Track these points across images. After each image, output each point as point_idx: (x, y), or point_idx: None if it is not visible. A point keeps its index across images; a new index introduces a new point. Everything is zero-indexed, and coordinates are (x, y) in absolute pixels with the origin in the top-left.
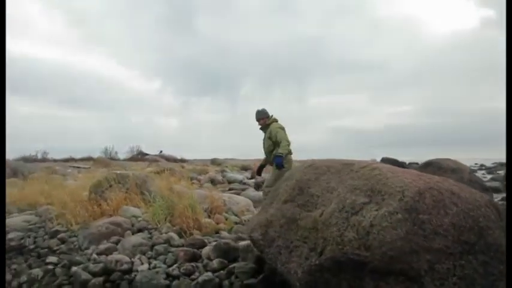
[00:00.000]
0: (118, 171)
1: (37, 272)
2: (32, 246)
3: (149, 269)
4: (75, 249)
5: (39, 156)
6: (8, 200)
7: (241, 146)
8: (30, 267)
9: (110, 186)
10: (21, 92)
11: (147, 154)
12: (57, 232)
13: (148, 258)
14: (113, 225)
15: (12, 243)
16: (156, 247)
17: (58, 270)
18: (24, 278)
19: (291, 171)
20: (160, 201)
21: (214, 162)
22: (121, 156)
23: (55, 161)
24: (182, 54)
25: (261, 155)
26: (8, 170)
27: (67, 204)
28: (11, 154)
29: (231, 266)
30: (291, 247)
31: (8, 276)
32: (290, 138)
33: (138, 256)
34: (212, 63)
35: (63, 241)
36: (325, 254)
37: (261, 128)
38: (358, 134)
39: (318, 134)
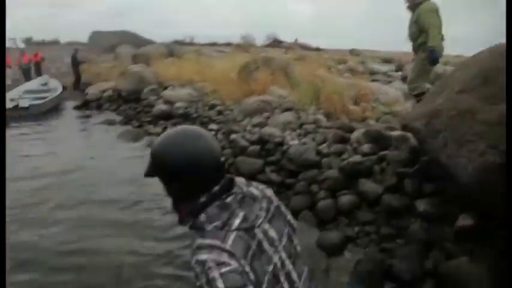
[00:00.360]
0: (262, 55)
1: None
2: (195, 115)
3: (300, 144)
4: (231, 121)
5: (187, 40)
6: (169, 76)
7: (383, 35)
8: None
9: (257, 67)
10: None
11: (282, 42)
12: (214, 105)
13: (298, 136)
14: (263, 102)
15: (180, 111)
16: (305, 126)
17: (219, 136)
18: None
19: (469, 58)
20: (306, 85)
21: (352, 52)
22: (258, 43)
23: (201, 45)
24: None
25: (405, 46)
26: (165, 51)
27: (220, 82)
28: (164, 38)
29: (383, 153)
30: (462, 141)
31: None
32: (450, 27)
33: (288, 132)
34: None
35: (220, 113)
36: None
37: (408, 7)
38: None
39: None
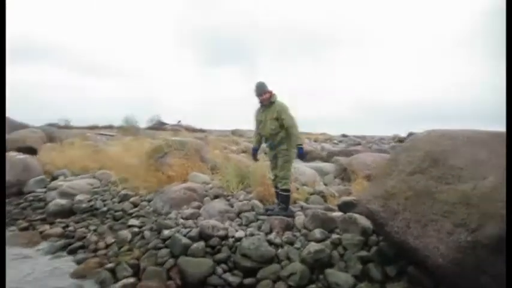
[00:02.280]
0: (174, 138)
1: (125, 234)
2: (104, 209)
3: (246, 235)
4: (153, 213)
5: (62, 123)
6: (57, 164)
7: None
8: (111, 228)
9: (165, 153)
10: (43, 61)
11: (166, 124)
12: (126, 196)
13: (239, 225)
14: (189, 190)
15: (83, 205)
16: (245, 214)
17: (147, 233)
18: (110, 239)
19: (412, 141)
20: (230, 169)
21: (235, 133)
22: (141, 125)
23: (80, 128)
24: (203, 25)
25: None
26: (43, 136)
27: (125, 169)
28: (37, 122)
29: (335, 237)
30: (424, 221)
31: (92, 237)
32: (303, 113)
33: (228, 222)
34: (231, 34)
35: (135, 205)
36: (483, 230)
37: (262, 105)
38: (379, 107)
39: (336, 106)
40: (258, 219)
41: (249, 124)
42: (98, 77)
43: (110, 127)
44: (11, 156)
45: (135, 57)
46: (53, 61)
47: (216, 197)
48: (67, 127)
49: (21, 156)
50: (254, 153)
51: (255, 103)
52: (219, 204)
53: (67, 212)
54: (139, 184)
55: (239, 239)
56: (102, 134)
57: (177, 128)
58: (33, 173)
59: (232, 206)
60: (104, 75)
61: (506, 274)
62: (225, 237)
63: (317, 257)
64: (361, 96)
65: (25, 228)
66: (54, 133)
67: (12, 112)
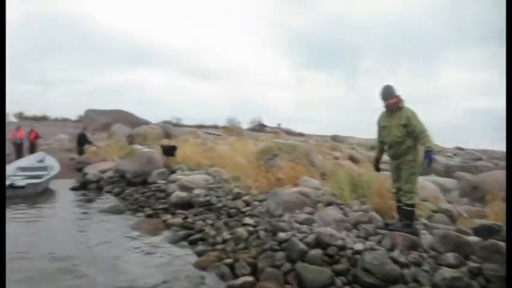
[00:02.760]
0: (281, 140)
1: (241, 232)
2: (219, 205)
3: (366, 249)
4: (264, 214)
5: (174, 121)
6: (175, 159)
7: (359, 123)
8: (227, 224)
9: (274, 155)
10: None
11: (266, 126)
12: (239, 194)
13: (356, 237)
14: (302, 195)
15: (200, 199)
16: (362, 225)
17: (262, 233)
18: (226, 235)
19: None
20: (342, 176)
21: (335, 139)
22: (243, 126)
23: (188, 126)
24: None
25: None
26: (161, 132)
27: (236, 168)
28: (152, 118)
29: (473, 265)
30: None
31: (211, 231)
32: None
33: (344, 232)
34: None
35: (247, 203)
36: None
37: (387, 110)
38: (491, 114)
39: (448, 114)
40: (377, 233)
41: (348, 130)
42: (204, 79)
43: (215, 127)
44: (138, 149)
45: (237, 60)
46: (165, 64)
47: (329, 204)
48: (179, 125)
49: (146, 149)
50: (376, 163)
51: (355, 109)
52: (334, 212)
53: (186, 204)
54: (250, 184)
55: (358, 252)
56: (209, 133)
57: (277, 131)
58: (155, 165)
59: (346, 216)
60: (209, 77)
61: (506, 274)
62: (342, 248)
63: (453, 284)
64: (476, 104)
65: (150, 216)
66: (170, 130)
67: (135, 110)
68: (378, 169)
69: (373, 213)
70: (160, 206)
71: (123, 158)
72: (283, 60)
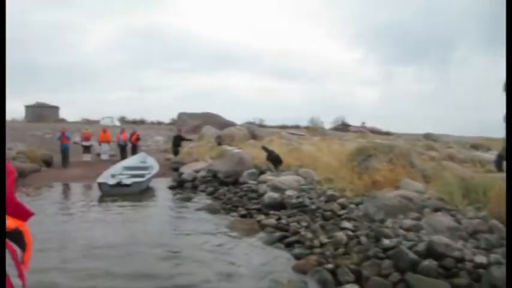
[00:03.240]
0: (378, 141)
1: (340, 236)
2: (313, 207)
3: (491, 263)
4: (363, 218)
5: (257, 122)
6: (262, 159)
7: (453, 120)
8: (323, 228)
9: (369, 155)
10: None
11: (349, 125)
12: (333, 196)
13: (475, 248)
14: (405, 199)
15: (293, 201)
16: (483, 235)
17: (363, 239)
18: (324, 238)
19: None
20: (451, 179)
21: (428, 137)
22: (326, 125)
23: (270, 127)
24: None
25: (486, 131)
26: (247, 133)
27: (327, 169)
28: (238, 120)
29: None
30: None
31: (308, 234)
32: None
33: (460, 242)
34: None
35: (343, 206)
36: None
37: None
38: None
39: None
40: (502, 245)
41: (441, 128)
42: (285, 79)
43: (297, 127)
44: (229, 150)
45: (319, 57)
46: (248, 66)
47: (437, 209)
48: (262, 126)
49: (237, 150)
50: (498, 162)
51: (448, 105)
52: (445, 219)
53: (278, 205)
54: (344, 186)
55: (481, 266)
56: (293, 134)
57: (362, 130)
58: (246, 165)
59: (460, 223)
60: (290, 77)
61: (506, 274)
62: (460, 260)
63: None
64: None
65: (244, 216)
66: (255, 131)
67: (222, 112)
68: (499, 169)
69: (495, 222)
70: (253, 206)
71: (215, 159)
72: (368, 55)
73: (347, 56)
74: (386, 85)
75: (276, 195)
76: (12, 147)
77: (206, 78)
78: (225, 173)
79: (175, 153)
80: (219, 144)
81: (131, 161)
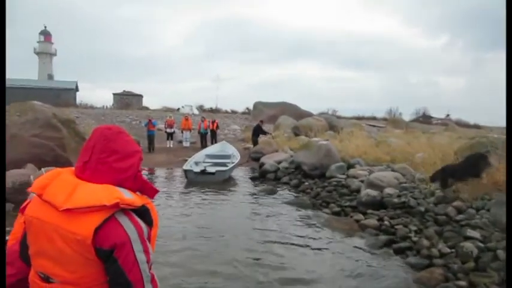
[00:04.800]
0: (494, 135)
1: (468, 247)
2: (421, 209)
3: None
4: (491, 226)
5: (330, 112)
6: (349, 152)
7: None
8: (440, 234)
9: (485, 152)
10: (314, 56)
11: (431, 117)
12: (445, 199)
13: None
14: None
15: (394, 200)
16: None
17: (500, 253)
18: (444, 247)
19: None
20: None
21: None
22: (405, 117)
23: (345, 118)
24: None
25: None
26: (325, 124)
27: (431, 166)
28: (311, 111)
29: None
30: None
31: (423, 241)
32: None
33: None
34: None
35: (459, 210)
36: None
37: None
38: None
39: None
40: None
41: None
42: (359, 68)
43: (374, 118)
44: (316, 141)
45: (397, 44)
46: (321, 55)
47: None
48: (336, 116)
49: (323, 141)
50: None
51: None
52: None
53: (377, 204)
54: (458, 186)
55: None
56: (372, 125)
57: (447, 122)
58: (333, 158)
59: None
60: (364, 66)
61: (506, 274)
62: None
63: None
64: None
65: (337, 213)
66: (333, 122)
67: (294, 101)
68: None
69: None
70: (347, 203)
71: (299, 150)
72: (453, 41)
73: (429, 43)
74: (473, 74)
75: (374, 192)
76: None
77: (280, 68)
78: (310, 166)
79: (255, 143)
80: (296, 134)
81: (213, 149)
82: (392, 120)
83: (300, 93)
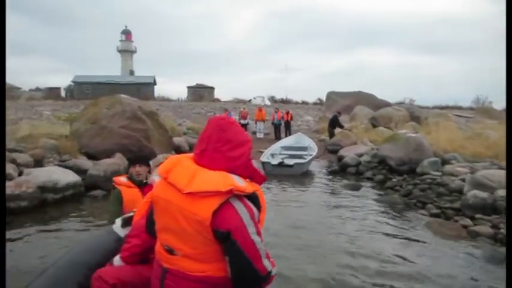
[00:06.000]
0: None
1: None
2: None
3: None
4: None
5: (407, 102)
6: (442, 146)
7: None
8: None
9: None
10: (386, 42)
11: None
12: None
13: None
14: None
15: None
16: None
17: None
18: None
19: None
20: None
21: None
22: (495, 106)
23: (425, 108)
24: None
25: None
26: (406, 114)
27: None
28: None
29: None
30: None
31: None
32: None
33: None
34: None
35: None
36: None
37: None
38: None
39: None
40: None
41: None
42: (434, 53)
43: (459, 108)
44: (403, 133)
45: (475, 27)
46: (394, 42)
47: None
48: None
49: (412, 134)
50: None
51: None
52: None
53: (488, 208)
54: None
55: None
56: (458, 116)
57: None
58: (425, 153)
59: None
60: (443, 52)
61: (506, 274)
62: None
63: None
64: None
65: (436, 215)
66: (415, 112)
67: (374, 90)
68: None
69: None
70: (447, 205)
71: (383, 143)
72: None
73: None
74: None
75: (483, 194)
76: (182, 123)
77: (349, 55)
78: (397, 160)
79: (331, 134)
80: (374, 126)
81: (288, 141)
82: (482, 110)
83: (373, 82)
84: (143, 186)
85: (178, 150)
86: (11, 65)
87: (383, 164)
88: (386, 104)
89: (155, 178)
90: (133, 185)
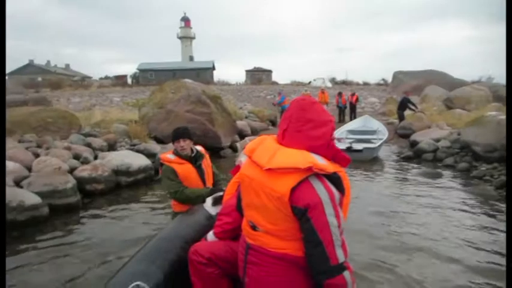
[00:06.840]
0: None
1: None
2: None
3: None
4: None
5: (483, 80)
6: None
7: None
8: None
9: None
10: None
11: None
12: None
13: None
14: None
15: None
16: None
17: None
18: None
19: None
20: None
21: None
22: None
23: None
24: None
25: None
26: (488, 94)
27: None
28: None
29: None
30: None
31: None
32: None
33: None
34: None
35: None
36: None
37: None
38: None
39: None
40: None
41: None
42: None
43: None
44: (492, 116)
45: None
46: (460, 11)
47: None
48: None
49: (502, 116)
50: None
51: None
52: None
53: None
54: None
55: None
56: None
57: None
58: None
59: None
60: None
61: (506, 274)
62: None
63: None
64: None
65: None
66: (499, 91)
67: (449, 69)
68: None
69: None
70: None
71: (466, 126)
72: None
73: None
74: None
75: None
76: (242, 107)
77: (412, 32)
78: (485, 146)
79: (401, 117)
80: (448, 107)
81: (355, 124)
82: None
83: (441, 59)
84: (193, 160)
85: (240, 134)
86: (85, 56)
87: (466, 150)
88: (462, 83)
89: (242, 159)
90: (184, 160)
